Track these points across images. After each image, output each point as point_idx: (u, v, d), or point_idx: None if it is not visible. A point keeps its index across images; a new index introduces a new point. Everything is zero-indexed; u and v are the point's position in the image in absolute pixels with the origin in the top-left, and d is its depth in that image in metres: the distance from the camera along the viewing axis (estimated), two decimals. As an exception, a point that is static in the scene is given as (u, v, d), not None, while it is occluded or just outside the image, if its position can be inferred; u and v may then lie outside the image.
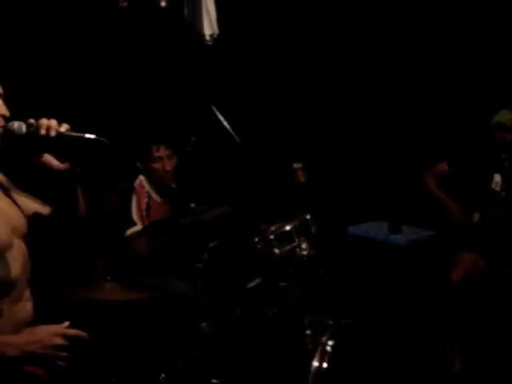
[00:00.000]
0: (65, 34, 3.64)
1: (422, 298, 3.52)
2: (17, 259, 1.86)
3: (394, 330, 3.32)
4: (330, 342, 2.78)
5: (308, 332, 2.86)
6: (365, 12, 4.44)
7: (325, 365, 2.70)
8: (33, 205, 2.06)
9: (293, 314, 2.95)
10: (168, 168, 3.52)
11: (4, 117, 1.85)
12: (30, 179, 2.00)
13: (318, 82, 4.46)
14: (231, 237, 3.28)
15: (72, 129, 1.90)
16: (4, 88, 1.90)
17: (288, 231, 3.04)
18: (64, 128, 1.88)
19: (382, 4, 4.43)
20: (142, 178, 3.55)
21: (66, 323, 1.85)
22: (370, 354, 2.87)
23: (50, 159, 1.91)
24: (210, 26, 4.08)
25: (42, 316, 1.98)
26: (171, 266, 3.45)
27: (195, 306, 2.93)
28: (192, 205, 3.01)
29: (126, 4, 3.72)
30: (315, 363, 2.71)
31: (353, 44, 4.48)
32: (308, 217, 3.10)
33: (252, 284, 2.96)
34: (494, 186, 3.62)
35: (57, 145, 1.87)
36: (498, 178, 3.62)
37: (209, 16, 4.07)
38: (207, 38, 4.08)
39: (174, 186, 3.70)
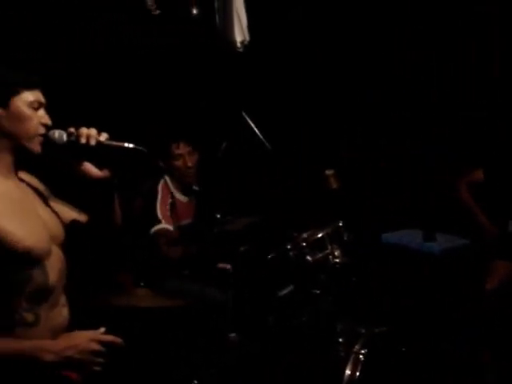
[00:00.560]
0: (97, 35, 3.70)
1: (456, 306, 3.48)
2: (55, 266, 1.89)
3: (428, 338, 3.29)
4: (363, 351, 2.76)
5: (340, 340, 2.84)
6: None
7: (357, 373, 2.68)
8: (71, 213, 2.10)
9: (325, 321, 2.93)
10: (190, 164, 3.52)
11: (46, 125, 1.89)
12: (68, 187, 2.03)
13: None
14: (263, 244, 3.28)
15: (111, 138, 1.92)
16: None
17: (320, 238, 3.02)
18: (103, 137, 1.91)
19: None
20: (166, 178, 3.57)
21: (102, 329, 1.87)
22: (403, 363, 2.84)
23: (89, 167, 1.94)
24: (241, 33, 4.08)
25: (76, 322, 2.00)
26: (202, 272, 3.45)
27: (225, 313, 2.92)
28: (218, 215, 3.01)
29: (158, 12, 3.75)
30: (348, 371, 2.69)
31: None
32: (341, 224, 3.08)
33: (284, 291, 2.95)
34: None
35: (96, 153, 1.90)
36: None
37: (240, 23, 4.08)
38: (238, 44, 4.09)
39: (197, 188, 3.70)
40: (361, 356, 2.73)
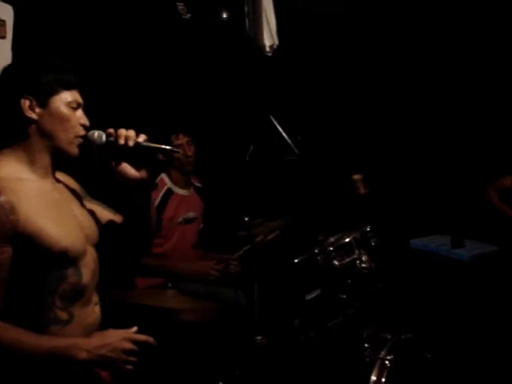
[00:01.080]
0: (128, 38, 3.73)
1: (484, 314, 3.45)
2: (88, 266, 1.92)
3: (454, 346, 3.26)
4: (389, 357, 2.75)
5: (366, 345, 2.84)
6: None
7: (383, 379, 2.68)
8: (105, 213, 2.12)
9: (351, 326, 2.93)
10: (189, 153, 3.55)
11: (84, 126, 1.91)
12: (104, 187, 2.05)
13: (375, 92, 4.42)
14: (290, 248, 3.28)
15: (149, 139, 1.94)
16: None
17: (348, 243, 3.02)
18: (142, 138, 1.93)
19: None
20: (163, 175, 3.58)
21: (134, 328, 1.89)
22: (428, 370, 2.83)
23: (127, 168, 1.95)
24: (270, 37, 4.10)
25: (107, 320, 2.02)
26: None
27: (251, 316, 2.93)
28: (246, 218, 3.01)
29: (189, 16, 3.78)
30: (373, 377, 2.69)
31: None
32: (368, 229, 3.07)
33: (311, 295, 2.95)
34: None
35: (133, 154, 1.92)
36: None
37: (269, 27, 4.09)
38: (267, 48, 4.10)
39: (199, 185, 3.73)
40: (386, 362, 2.73)
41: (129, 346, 1.81)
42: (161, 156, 2.01)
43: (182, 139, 3.57)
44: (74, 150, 1.90)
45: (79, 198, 2.05)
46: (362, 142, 4.31)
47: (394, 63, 4.32)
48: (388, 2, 4.29)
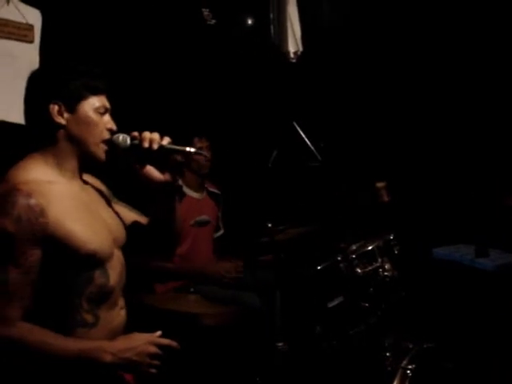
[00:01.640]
0: (154, 43, 3.77)
1: (509, 324, 3.40)
2: (115, 268, 1.93)
3: (476, 356, 3.23)
4: (411, 366, 2.73)
5: (388, 354, 2.82)
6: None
7: (404, 389, 2.66)
8: (132, 215, 2.13)
9: (373, 335, 2.91)
10: (208, 156, 3.55)
11: (111, 130, 1.93)
12: (130, 190, 2.07)
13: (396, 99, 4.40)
14: (313, 254, 3.27)
15: (173, 142, 1.96)
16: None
17: (371, 251, 3.00)
18: (166, 141, 1.94)
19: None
20: None
21: (159, 332, 1.89)
22: (450, 380, 2.80)
23: (152, 171, 1.97)
24: (294, 44, 4.12)
25: (131, 324, 2.03)
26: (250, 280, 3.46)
27: (273, 322, 2.93)
28: (269, 224, 3.01)
29: (214, 22, 3.80)
30: (395, 387, 2.67)
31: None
32: (392, 237, 3.06)
33: (334, 303, 2.94)
34: None
35: (158, 157, 1.93)
36: None
37: (293, 33, 4.11)
38: (291, 55, 4.12)
39: (214, 190, 3.73)
40: (408, 371, 2.71)
41: (153, 349, 1.82)
42: (182, 158, 2.04)
43: (205, 143, 3.59)
44: (101, 154, 1.92)
45: (107, 200, 2.06)
46: (385, 150, 4.29)
47: (422, 71, 4.29)
48: (408, 9, 4.28)
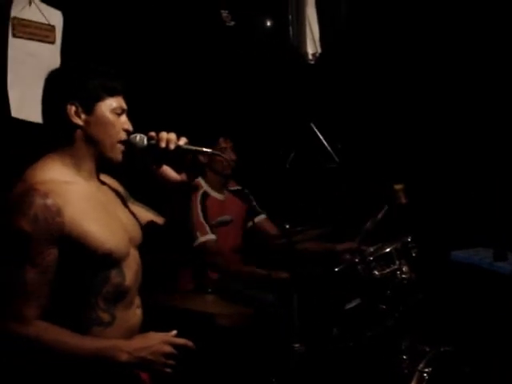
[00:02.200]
0: (173, 45, 3.79)
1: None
2: (131, 268, 1.93)
3: (493, 360, 3.20)
4: (427, 369, 2.72)
5: (404, 357, 2.81)
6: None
7: (421, 392, 2.65)
8: (148, 215, 2.14)
9: (390, 337, 2.90)
10: (233, 157, 3.55)
11: (127, 131, 1.94)
12: (146, 190, 2.08)
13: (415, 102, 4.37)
14: (329, 256, 3.27)
15: (189, 142, 1.96)
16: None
17: (388, 253, 3.00)
18: (182, 141, 1.95)
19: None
20: (199, 178, 3.51)
21: (174, 332, 1.90)
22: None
23: (168, 171, 1.98)
24: (312, 45, 4.11)
25: (147, 323, 2.04)
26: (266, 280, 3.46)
27: (290, 323, 2.93)
28: (286, 225, 3.02)
29: (233, 23, 3.81)
30: (411, 389, 2.66)
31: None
32: (409, 239, 3.05)
33: (351, 305, 2.94)
34: None
35: (175, 157, 1.94)
36: None
37: (312, 34, 4.11)
38: (309, 56, 4.12)
39: (238, 187, 3.72)
40: (425, 374, 2.70)
41: (169, 349, 1.82)
42: (205, 159, 2.05)
43: (228, 143, 3.60)
44: (118, 155, 1.92)
45: (123, 200, 2.07)
46: (403, 151, 4.27)
47: (440, 74, 4.27)
48: (429, 10, 4.25)
